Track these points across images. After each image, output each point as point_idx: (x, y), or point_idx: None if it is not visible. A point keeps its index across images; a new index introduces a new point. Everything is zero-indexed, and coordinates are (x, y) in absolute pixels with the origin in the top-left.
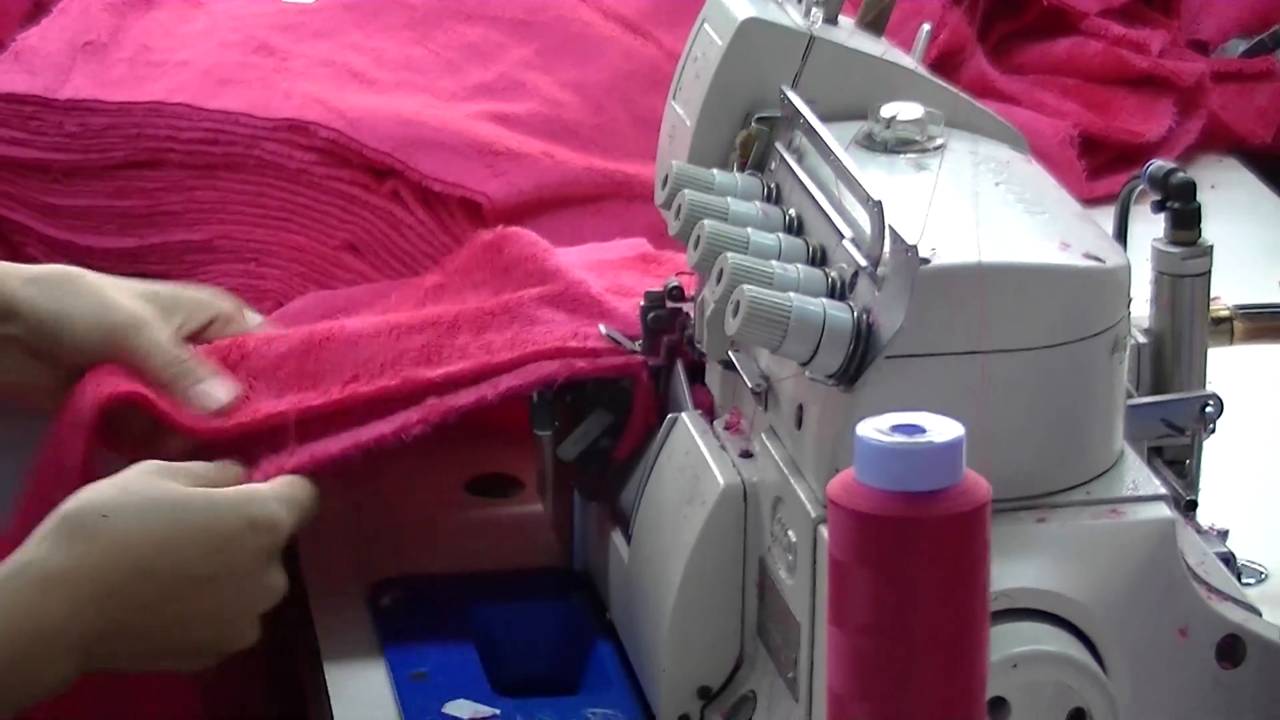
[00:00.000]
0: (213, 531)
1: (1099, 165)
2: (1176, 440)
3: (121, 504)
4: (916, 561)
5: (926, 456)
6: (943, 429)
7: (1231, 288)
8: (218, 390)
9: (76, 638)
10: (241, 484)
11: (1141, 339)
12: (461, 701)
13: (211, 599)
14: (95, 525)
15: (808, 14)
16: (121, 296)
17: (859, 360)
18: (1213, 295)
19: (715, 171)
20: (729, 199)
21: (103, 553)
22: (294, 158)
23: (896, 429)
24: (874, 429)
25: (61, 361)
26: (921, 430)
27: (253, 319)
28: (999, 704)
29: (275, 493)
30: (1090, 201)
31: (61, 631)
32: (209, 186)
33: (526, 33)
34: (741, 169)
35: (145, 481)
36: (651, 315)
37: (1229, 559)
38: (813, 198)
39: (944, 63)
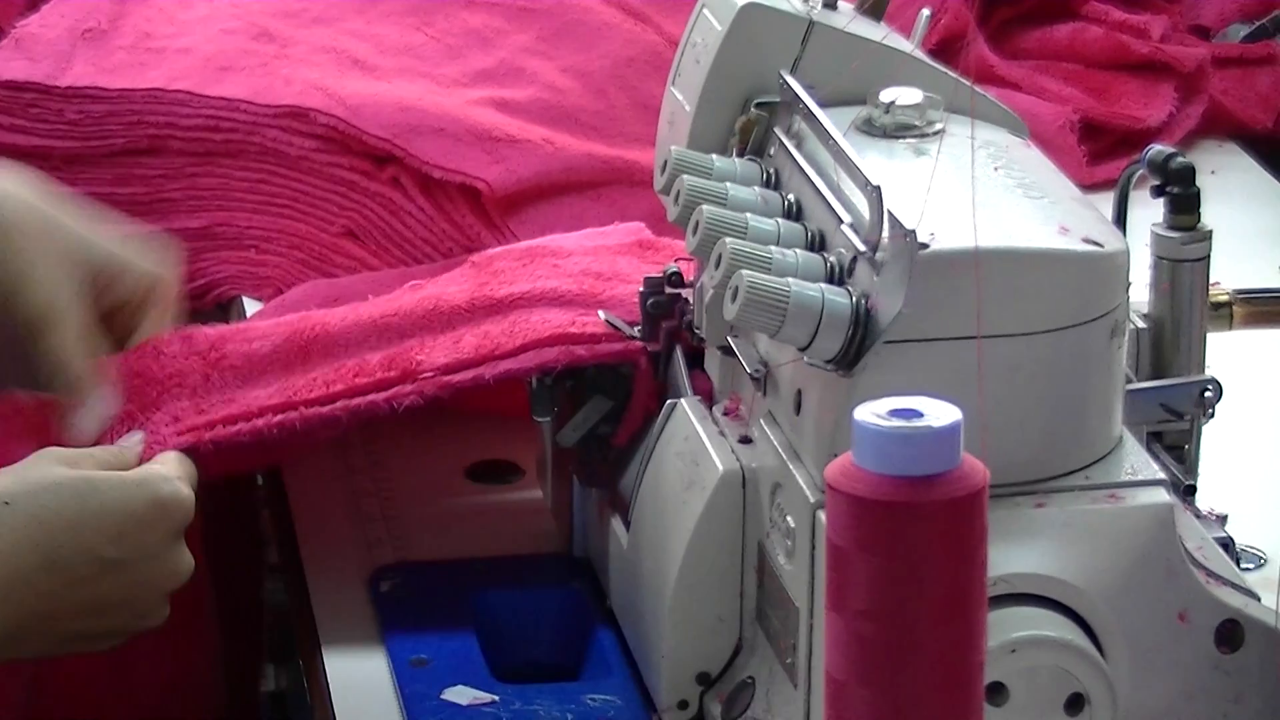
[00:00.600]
0: (121, 513)
1: (1099, 150)
2: (1176, 425)
3: (24, 490)
4: (914, 546)
5: (924, 441)
6: (940, 413)
7: (1231, 272)
8: (91, 418)
9: None
10: (136, 453)
11: (1141, 324)
12: (461, 688)
13: (121, 582)
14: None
15: None
16: (60, 273)
17: (858, 345)
18: (1212, 280)
19: (714, 157)
20: (728, 184)
21: (10, 542)
22: (294, 144)
23: (894, 413)
24: (871, 413)
25: None
26: (919, 415)
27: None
28: (997, 689)
29: (178, 470)
30: (1090, 187)
31: None
32: (209, 174)
33: (527, 19)
34: (741, 154)
35: (47, 467)
36: (651, 301)
37: (1228, 544)
38: (812, 183)
39: (944, 48)
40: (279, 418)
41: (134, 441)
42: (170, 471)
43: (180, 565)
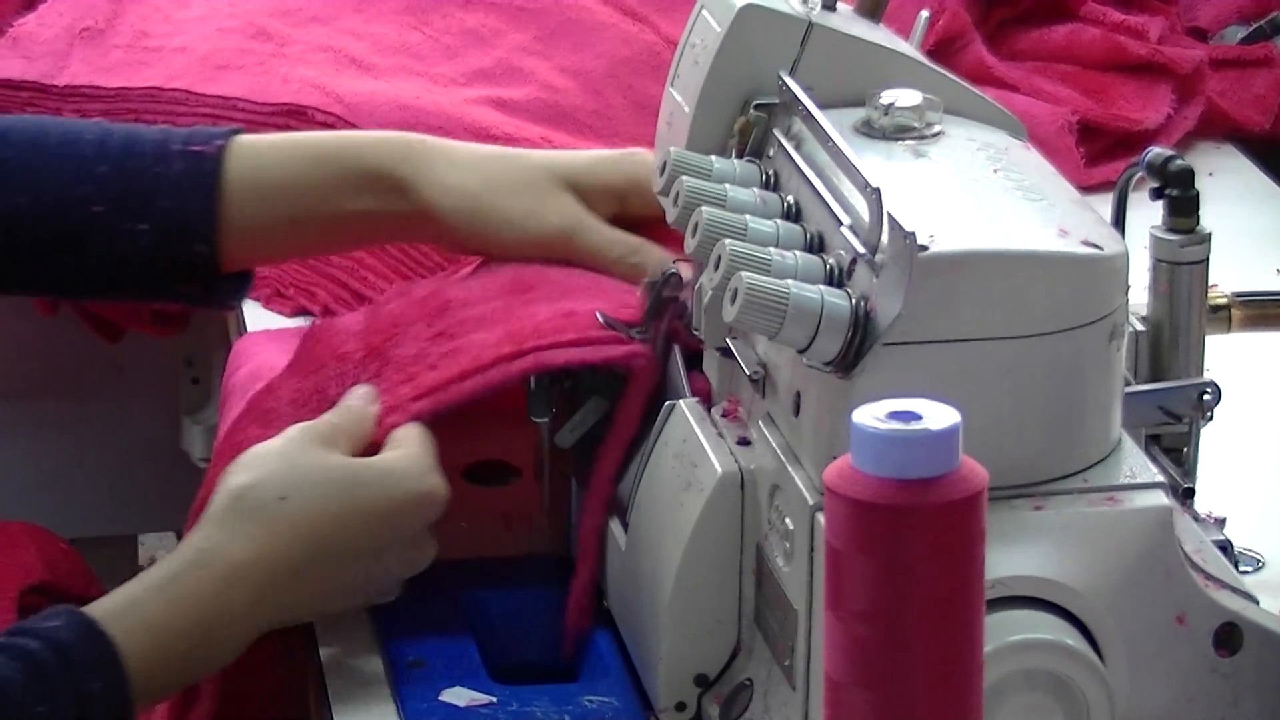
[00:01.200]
0: (383, 508)
1: (1097, 152)
2: (1174, 428)
3: (297, 485)
4: (912, 548)
5: (922, 443)
6: (938, 416)
7: (1229, 275)
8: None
9: (257, 621)
10: (374, 417)
11: (1139, 326)
12: (458, 689)
13: (372, 570)
14: (274, 509)
15: (806, 0)
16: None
17: (857, 347)
18: (1210, 282)
19: (713, 158)
20: (727, 186)
21: (284, 538)
22: None
23: (892, 416)
24: (870, 416)
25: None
26: (917, 417)
27: None
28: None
29: (427, 458)
30: (1088, 188)
31: (244, 619)
32: None
33: (524, 18)
34: (740, 156)
35: (311, 455)
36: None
37: (1226, 547)
38: (811, 184)
39: (942, 49)
40: (517, 364)
41: (368, 401)
42: (429, 463)
43: (425, 553)
